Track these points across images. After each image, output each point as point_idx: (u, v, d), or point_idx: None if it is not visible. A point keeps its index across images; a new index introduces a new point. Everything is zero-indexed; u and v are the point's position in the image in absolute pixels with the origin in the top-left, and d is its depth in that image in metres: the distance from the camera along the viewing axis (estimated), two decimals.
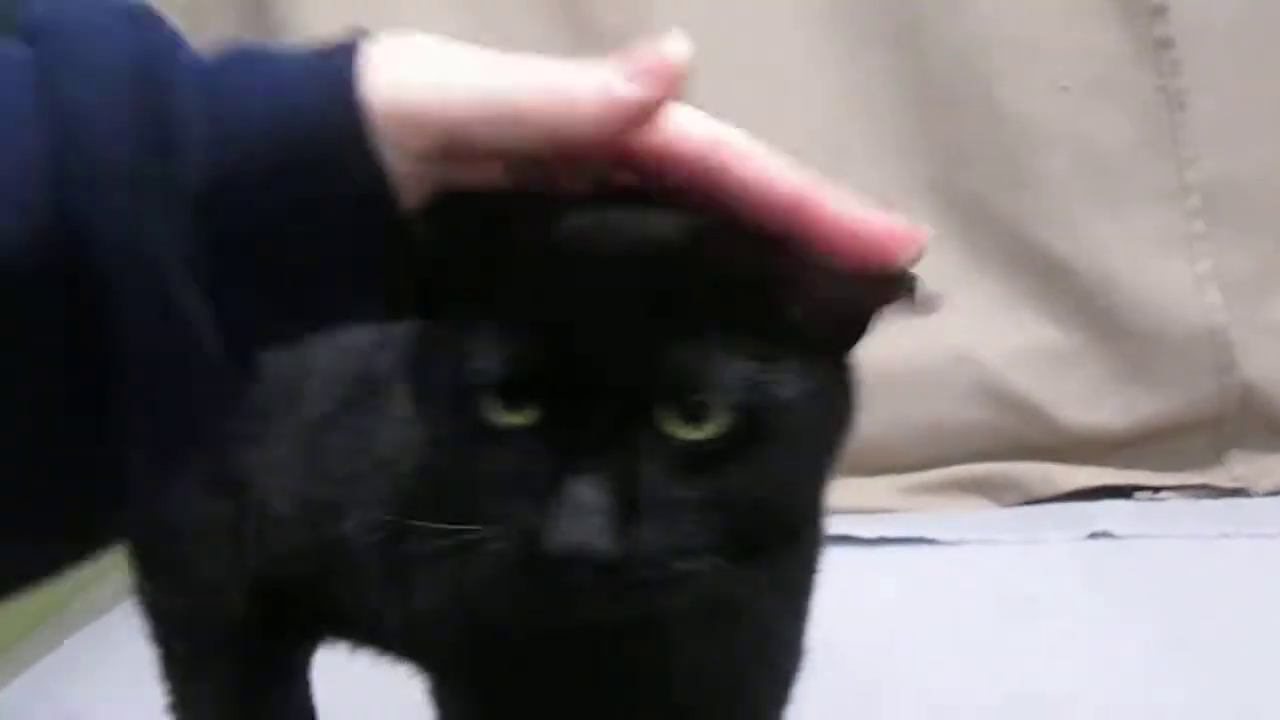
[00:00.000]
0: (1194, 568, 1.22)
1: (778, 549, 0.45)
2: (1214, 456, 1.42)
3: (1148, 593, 1.18)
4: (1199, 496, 1.38)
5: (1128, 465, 1.42)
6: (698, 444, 0.39)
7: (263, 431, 0.65)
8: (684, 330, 0.39)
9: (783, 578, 0.50)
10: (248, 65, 0.35)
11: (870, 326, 0.42)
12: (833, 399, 0.42)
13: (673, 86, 0.37)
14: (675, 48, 0.37)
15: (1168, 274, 1.38)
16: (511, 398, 0.40)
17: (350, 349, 0.62)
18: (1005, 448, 1.44)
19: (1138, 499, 1.39)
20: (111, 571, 0.98)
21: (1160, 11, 1.29)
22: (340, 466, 0.61)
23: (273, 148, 0.34)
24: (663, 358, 0.39)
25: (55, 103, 0.32)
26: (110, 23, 0.34)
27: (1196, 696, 0.97)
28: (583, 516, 0.38)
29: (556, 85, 0.36)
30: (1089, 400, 1.42)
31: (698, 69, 1.19)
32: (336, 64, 0.35)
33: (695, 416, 0.39)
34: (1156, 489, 1.39)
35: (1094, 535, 1.30)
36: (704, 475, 0.39)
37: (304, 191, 0.34)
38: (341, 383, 0.63)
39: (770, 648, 0.54)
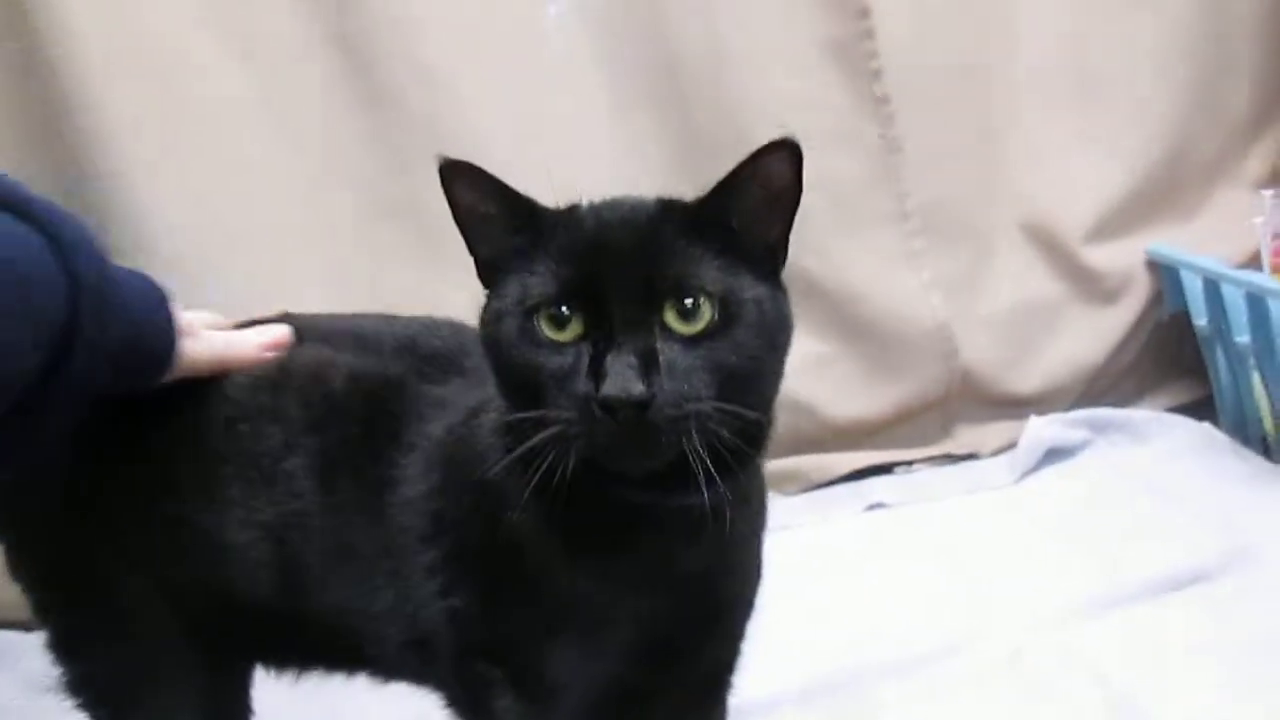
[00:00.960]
0: (952, 519, 1.49)
1: (747, 467, 0.67)
2: (946, 430, 1.70)
3: (923, 543, 1.43)
4: (942, 464, 1.66)
5: (884, 446, 1.67)
6: (696, 334, 0.61)
7: None
8: (673, 255, 0.62)
9: (749, 499, 0.70)
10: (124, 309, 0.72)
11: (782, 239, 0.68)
12: (776, 303, 0.66)
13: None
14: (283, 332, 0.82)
15: (898, 284, 1.63)
16: (560, 321, 0.62)
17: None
18: (783, 444, 1.66)
19: (898, 472, 1.65)
20: None
21: (877, 74, 1.55)
22: None
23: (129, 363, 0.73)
24: (662, 271, 0.62)
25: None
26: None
27: (985, 612, 1.22)
28: (621, 374, 0.59)
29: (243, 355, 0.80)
30: (846, 395, 1.65)
31: (489, 132, 1.38)
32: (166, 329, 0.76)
33: (689, 314, 0.62)
34: (910, 462, 1.66)
35: (871, 507, 1.55)
36: (699, 350, 0.61)
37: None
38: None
39: (752, 571, 0.75)
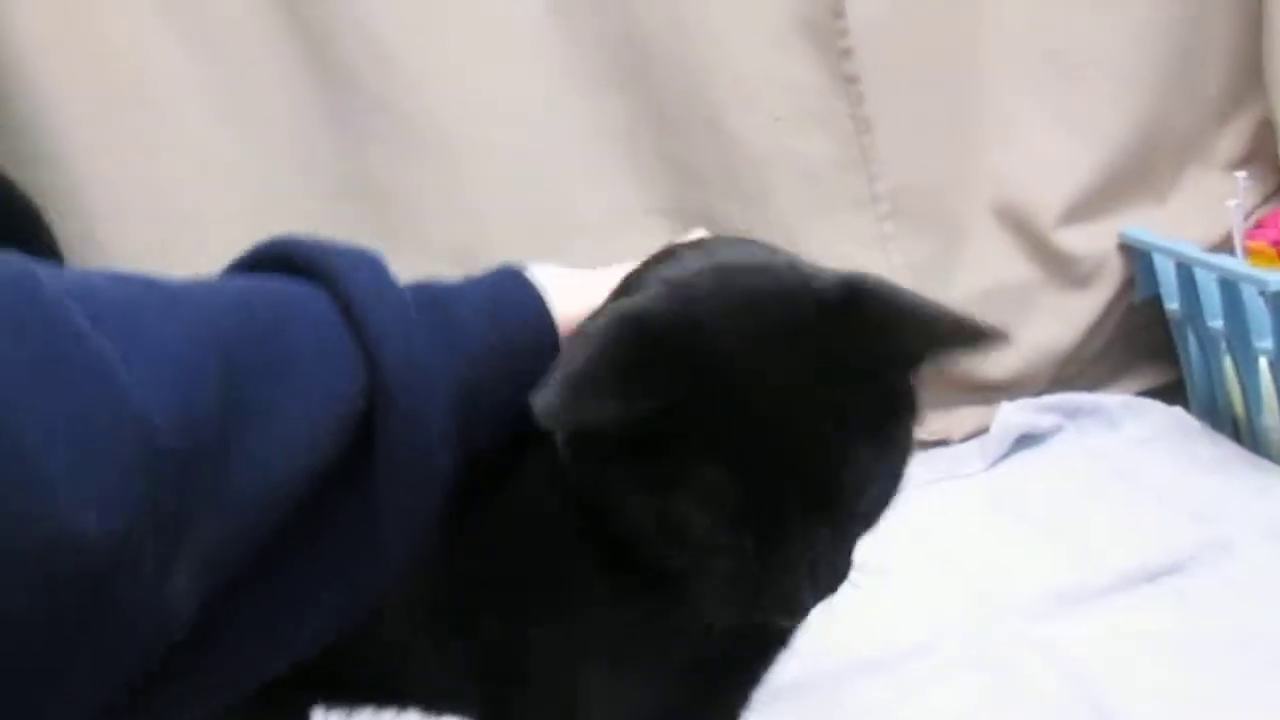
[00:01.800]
0: (921, 508, 1.45)
1: None
2: None
3: (891, 533, 1.40)
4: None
5: None
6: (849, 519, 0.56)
7: None
8: (845, 452, 0.53)
9: None
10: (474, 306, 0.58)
11: None
12: (912, 445, 0.60)
13: None
14: None
15: (868, 267, 1.59)
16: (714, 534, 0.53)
17: None
18: None
19: None
20: None
21: (847, 52, 1.52)
22: None
23: (503, 364, 0.56)
24: (831, 491, 0.53)
25: (376, 351, 0.50)
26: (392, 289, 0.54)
27: (957, 606, 1.20)
28: (794, 593, 0.55)
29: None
30: None
31: (448, 114, 1.32)
32: (537, 313, 0.59)
33: (849, 513, 0.56)
34: None
35: None
36: (851, 530, 0.58)
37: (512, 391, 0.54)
38: None
39: None
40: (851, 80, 1.54)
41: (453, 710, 0.76)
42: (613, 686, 0.65)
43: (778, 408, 0.51)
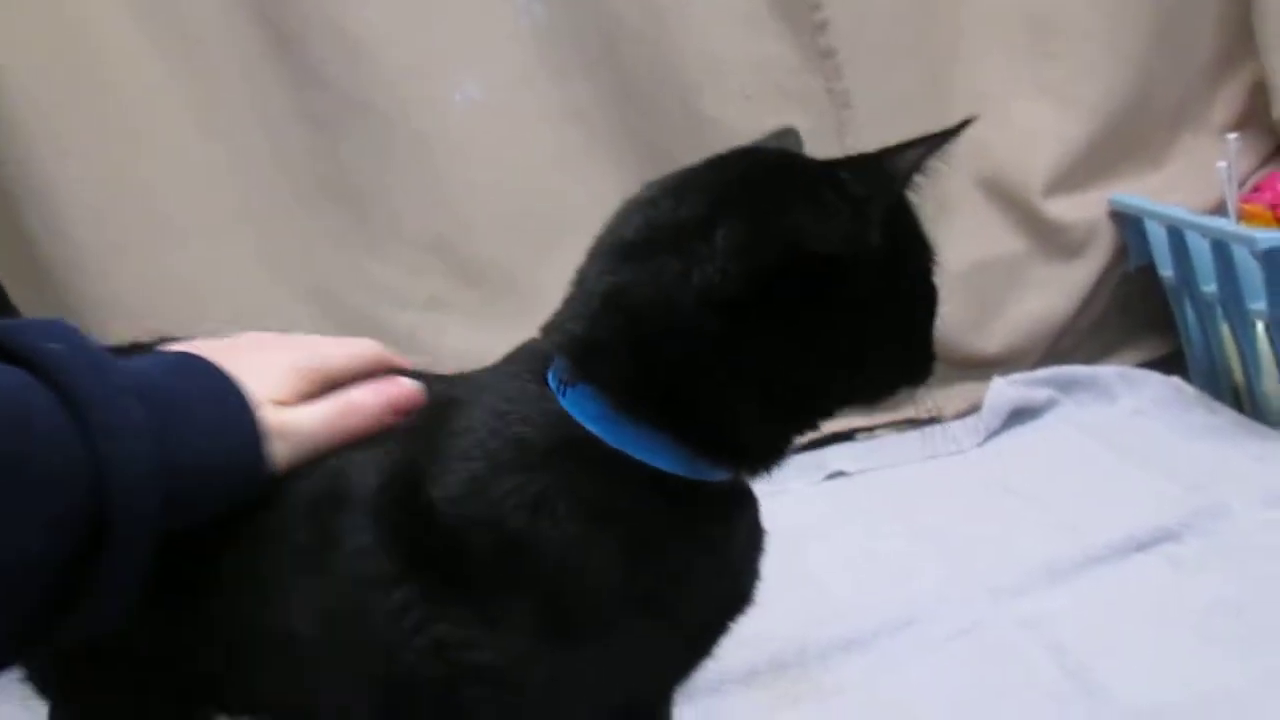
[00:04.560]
0: (913, 486, 1.44)
1: None
2: (908, 394, 1.66)
3: (883, 512, 1.38)
4: (904, 429, 1.61)
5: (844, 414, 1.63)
6: None
7: None
8: None
9: None
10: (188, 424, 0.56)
11: None
12: None
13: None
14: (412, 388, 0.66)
15: None
16: None
17: None
18: None
19: (859, 439, 1.60)
20: None
21: (822, 26, 1.49)
22: None
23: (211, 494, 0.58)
24: None
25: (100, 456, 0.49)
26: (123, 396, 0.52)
27: (942, 583, 1.18)
28: None
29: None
30: None
31: (421, 107, 1.29)
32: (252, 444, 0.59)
33: None
34: (872, 428, 1.61)
35: (831, 476, 1.50)
36: None
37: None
38: None
39: None
40: (827, 55, 1.51)
41: None
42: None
43: None
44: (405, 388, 0.65)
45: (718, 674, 1.02)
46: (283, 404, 0.61)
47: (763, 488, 1.46)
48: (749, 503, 0.68)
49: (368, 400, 0.64)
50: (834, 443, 1.58)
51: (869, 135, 1.54)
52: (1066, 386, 1.57)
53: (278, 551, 0.61)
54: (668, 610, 0.62)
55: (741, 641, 1.04)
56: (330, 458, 0.62)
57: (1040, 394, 1.56)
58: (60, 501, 0.48)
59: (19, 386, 0.48)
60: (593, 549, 0.58)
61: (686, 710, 0.85)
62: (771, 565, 1.22)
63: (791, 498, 1.46)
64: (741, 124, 1.53)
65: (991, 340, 1.63)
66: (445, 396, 0.64)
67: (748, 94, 1.51)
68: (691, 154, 1.52)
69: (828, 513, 1.41)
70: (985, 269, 1.62)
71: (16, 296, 1.37)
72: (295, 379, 0.62)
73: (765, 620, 1.12)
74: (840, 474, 1.50)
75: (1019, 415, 1.55)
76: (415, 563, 0.57)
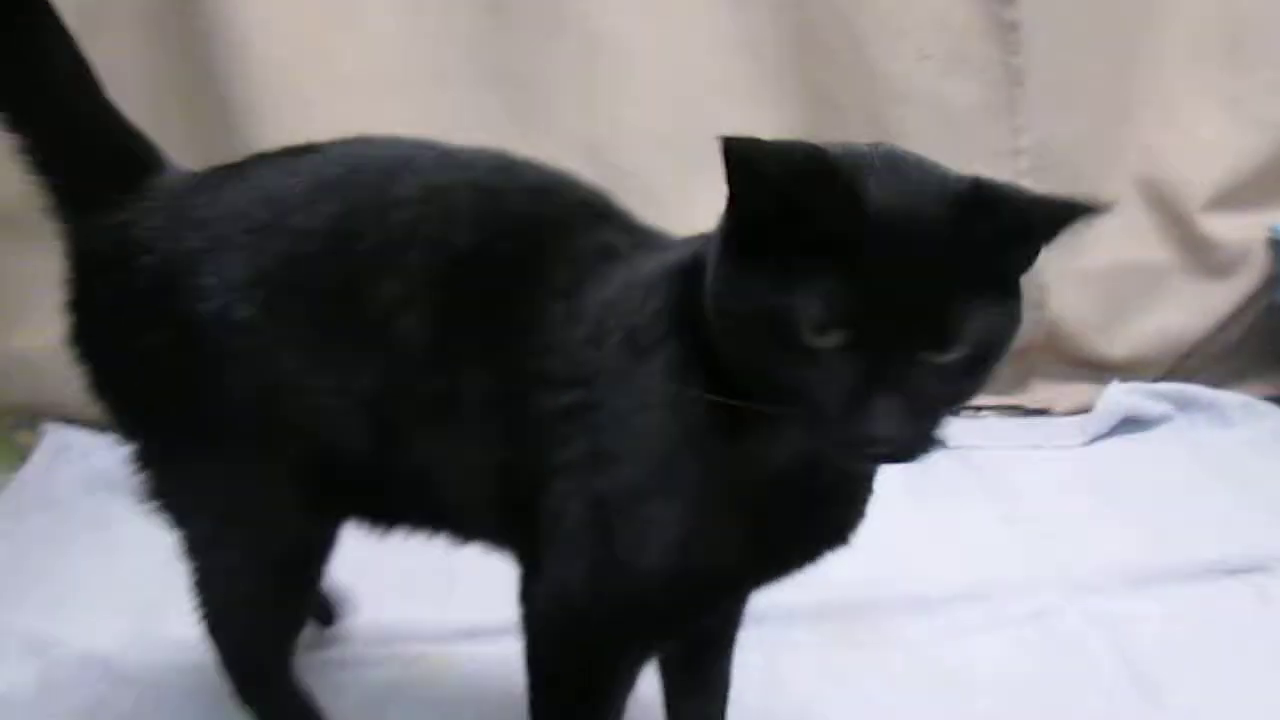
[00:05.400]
0: (1009, 470, 1.43)
1: None
2: (1020, 382, 1.64)
3: (974, 488, 1.39)
4: (1011, 415, 1.60)
5: None
6: (946, 364, 0.58)
7: None
8: (952, 290, 0.57)
9: None
10: None
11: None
12: (1015, 325, 0.61)
13: None
14: None
15: None
16: (824, 328, 0.57)
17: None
18: None
19: (964, 416, 1.61)
20: None
21: None
22: None
23: None
24: (939, 315, 0.57)
25: None
26: None
27: (1020, 566, 1.20)
28: (888, 421, 0.57)
29: None
30: None
31: (601, 17, 1.30)
32: None
33: (949, 349, 0.58)
34: (978, 408, 1.61)
35: None
36: (948, 382, 0.59)
37: None
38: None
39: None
40: (1011, 27, 1.48)
41: (483, 538, 0.80)
42: (678, 525, 0.67)
43: (903, 249, 0.57)
44: None
45: (789, 606, 1.05)
46: None
47: None
48: None
49: None
50: None
51: (1039, 115, 1.53)
52: (1184, 404, 1.55)
53: None
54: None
55: (820, 582, 1.08)
56: None
57: (1156, 407, 1.54)
58: None
59: None
60: None
61: (753, 633, 0.89)
62: (867, 522, 1.26)
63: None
64: (913, 83, 1.52)
65: (1116, 345, 1.61)
66: None
67: (926, 54, 1.49)
68: (856, 105, 1.54)
69: (919, 479, 1.42)
70: (1125, 272, 1.60)
71: (198, 135, 1.44)
72: None
73: (846, 568, 1.16)
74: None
75: (1129, 424, 1.53)
76: None
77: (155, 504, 0.82)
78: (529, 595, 0.74)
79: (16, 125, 0.76)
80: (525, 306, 0.70)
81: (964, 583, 1.15)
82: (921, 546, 1.23)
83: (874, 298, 0.56)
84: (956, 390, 0.60)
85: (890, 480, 1.36)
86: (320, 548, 0.83)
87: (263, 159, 0.78)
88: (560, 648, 0.73)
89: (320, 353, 0.72)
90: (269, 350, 0.72)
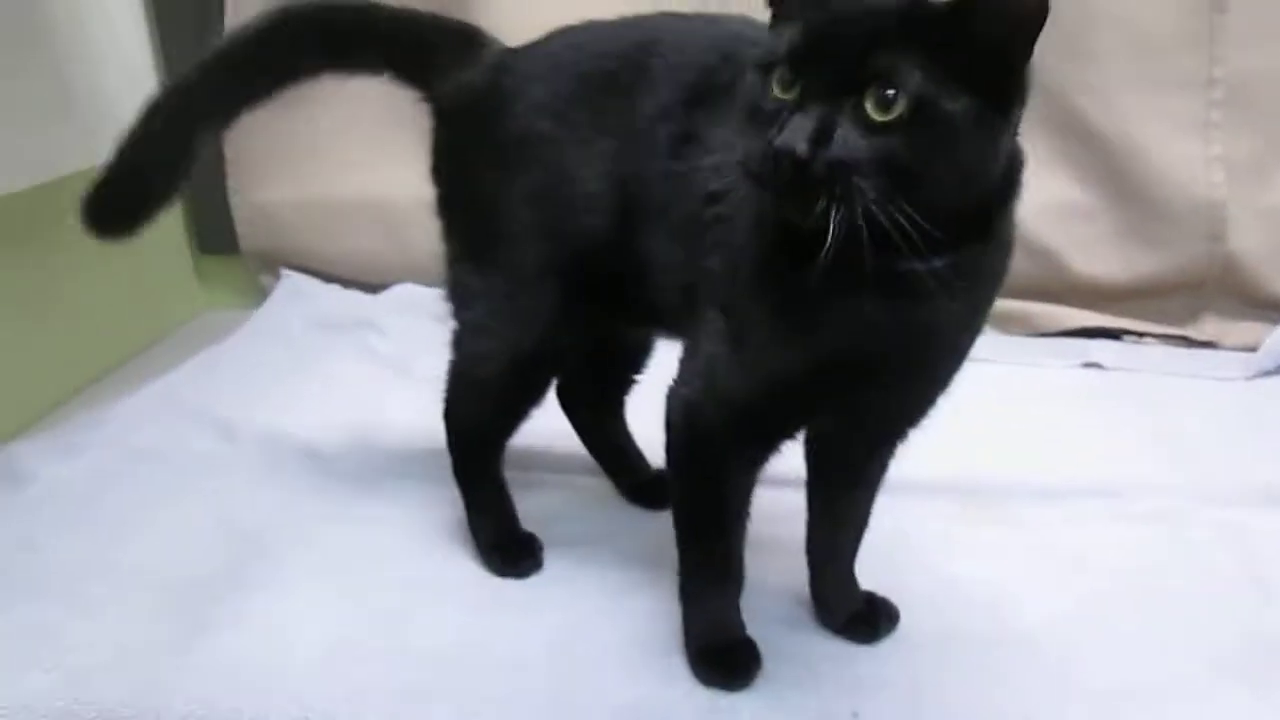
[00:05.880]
0: (1160, 394, 1.46)
1: (961, 249, 0.72)
2: (1191, 314, 1.64)
3: (1121, 406, 1.42)
4: (1177, 345, 1.61)
5: (1120, 314, 1.64)
6: (883, 122, 0.66)
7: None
8: (889, 46, 0.66)
9: (967, 283, 0.74)
10: None
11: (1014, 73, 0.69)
12: (983, 127, 0.68)
13: None
14: None
15: (1183, 152, 1.56)
16: (785, 83, 0.69)
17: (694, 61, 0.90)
18: (1018, 287, 1.64)
19: (1125, 341, 1.62)
20: None
21: None
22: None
23: None
24: (876, 58, 0.66)
25: None
26: None
27: (1157, 474, 1.23)
28: (793, 132, 0.67)
29: None
30: (1096, 253, 1.63)
31: None
32: None
33: (883, 103, 0.66)
34: (1142, 334, 1.62)
35: (1086, 365, 1.54)
36: (877, 138, 0.67)
37: None
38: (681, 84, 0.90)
39: (966, 339, 0.82)
40: None
41: (672, 327, 0.96)
42: (752, 350, 0.80)
43: (845, 10, 0.68)
44: None
45: (916, 478, 1.10)
46: None
47: (1018, 359, 1.53)
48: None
49: None
50: (1100, 337, 1.62)
51: (1238, 46, 1.51)
52: None
53: None
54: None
55: (950, 460, 1.15)
56: None
57: None
58: None
59: None
60: None
61: (883, 501, 0.97)
62: (998, 417, 1.32)
63: (1040, 372, 1.53)
64: (1113, 5, 1.51)
65: None
66: None
67: None
68: (1053, 21, 1.53)
69: (1069, 393, 1.47)
70: None
71: None
72: None
73: (981, 452, 1.23)
74: (1096, 366, 1.54)
75: None
76: None
77: (447, 294, 1.04)
78: (670, 392, 0.88)
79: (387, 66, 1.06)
80: (710, 133, 0.86)
81: (1095, 479, 1.20)
82: (1059, 446, 1.29)
83: (811, 43, 0.67)
84: (891, 154, 0.66)
85: (1029, 391, 1.43)
86: (562, 352, 1.03)
87: (563, 30, 1.01)
88: (682, 441, 0.87)
89: (594, 145, 0.93)
90: (558, 146, 0.95)
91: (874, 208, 0.66)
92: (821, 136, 0.66)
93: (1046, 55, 1.65)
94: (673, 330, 0.96)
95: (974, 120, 0.67)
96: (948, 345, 0.81)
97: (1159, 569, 1.07)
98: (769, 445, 0.86)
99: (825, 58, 0.67)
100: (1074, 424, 1.37)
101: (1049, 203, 1.60)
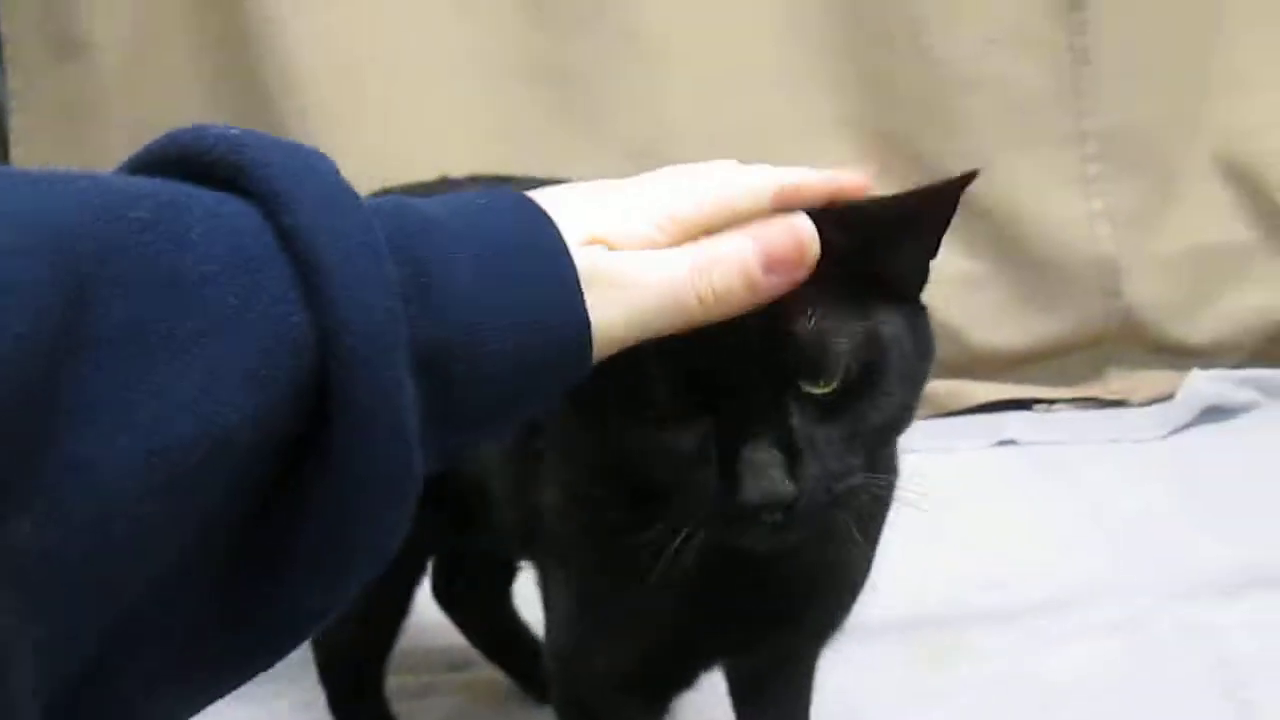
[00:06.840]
0: (1086, 467, 1.39)
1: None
2: (1096, 372, 1.59)
3: (1051, 488, 1.34)
4: (1086, 407, 1.55)
5: (1026, 381, 1.58)
6: (829, 394, 0.50)
7: None
8: (805, 310, 0.50)
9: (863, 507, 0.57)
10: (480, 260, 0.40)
11: (928, 265, 0.55)
12: (918, 335, 0.54)
13: (802, 271, 0.48)
14: (805, 227, 0.48)
15: (1065, 210, 1.52)
16: (680, 407, 0.50)
17: None
18: None
19: (1037, 410, 1.55)
20: None
21: None
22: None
23: (513, 346, 0.40)
24: (790, 345, 0.50)
25: (320, 283, 0.35)
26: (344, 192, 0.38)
27: (1106, 571, 1.15)
28: (764, 473, 0.49)
29: (714, 302, 0.45)
30: (993, 321, 1.57)
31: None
32: (566, 298, 0.42)
33: (820, 377, 0.50)
34: (1052, 401, 1.56)
35: (1002, 443, 1.46)
36: (839, 414, 0.51)
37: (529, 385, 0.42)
38: None
39: (855, 567, 0.67)
40: (1076, 6, 1.44)
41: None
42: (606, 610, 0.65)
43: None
44: (797, 233, 0.48)
45: (868, 623, 1.01)
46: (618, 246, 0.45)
47: (930, 444, 1.45)
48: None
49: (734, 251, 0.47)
50: (1009, 409, 1.55)
51: (1106, 97, 1.47)
52: (1272, 391, 1.49)
53: None
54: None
55: (888, 591, 1.04)
56: None
57: (1241, 394, 1.48)
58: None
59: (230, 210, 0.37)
60: None
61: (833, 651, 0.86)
62: (934, 523, 1.22)
63: (958, 458, 1.44)
64: (974, 68, 1.47)
65: (1197, 330, 1.55)
66: None
67: (989, 38, 1.44)
68: (917, 91, 1.50)
69: (994, 480, 1.38)
70: (1206, 254, 1.54)
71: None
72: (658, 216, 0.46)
73: (918, 574, 1.12)
74: (1011, 442, 1.46)
75: (1212, 413, 1.47)
76: None
77: None
78: (543, 646, 0.73)
79: None
80: None
81: (1047, 590, 1.11)
82: (1001, 552, 1.19)
83: (713, 360, 0.49)
84: (859, 418, 0.51)
85: (960, 480, 1.34)
86: (418, 562, 0.90)
87: None
88: (560, 701, 0.72)
89: None
90: None
91: (870, 491, 0.54)
92: (795, 459, 0.50)
93: (913, 123, 1.61)
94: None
95: (912, 331, 0.54)
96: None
97: (1128, 696, 0.98)
98: (658, 702, 0.70)
99: (727, 363, 0.50)
100: (1003, 515, 1.28)
101: (939, 277, 1.48)
